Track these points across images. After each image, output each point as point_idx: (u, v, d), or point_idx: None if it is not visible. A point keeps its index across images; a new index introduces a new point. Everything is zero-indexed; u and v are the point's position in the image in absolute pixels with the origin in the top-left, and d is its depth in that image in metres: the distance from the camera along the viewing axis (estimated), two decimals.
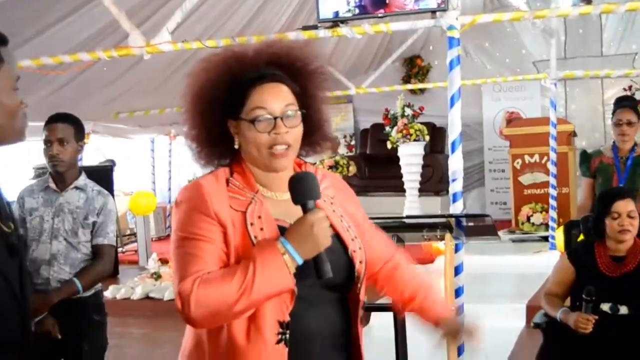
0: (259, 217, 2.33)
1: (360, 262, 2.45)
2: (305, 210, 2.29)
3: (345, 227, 2.48)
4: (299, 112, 2.40)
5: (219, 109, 2.40)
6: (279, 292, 2.24)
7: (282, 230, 2.32)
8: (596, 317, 4.39)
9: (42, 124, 4.60)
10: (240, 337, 2.27)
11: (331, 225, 2.39)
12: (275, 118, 2.35)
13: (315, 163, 2.64)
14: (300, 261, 2.24)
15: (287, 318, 2.28)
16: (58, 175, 4.60)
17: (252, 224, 2.31)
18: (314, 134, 2.50)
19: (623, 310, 4.49)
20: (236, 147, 2.43)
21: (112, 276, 10.53)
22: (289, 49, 2.48)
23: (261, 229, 2.31)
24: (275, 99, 2.36)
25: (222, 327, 2.28)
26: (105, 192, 4.72)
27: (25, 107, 2.35)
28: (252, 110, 2.35)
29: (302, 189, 2.32)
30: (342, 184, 2.68)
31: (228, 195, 2.35)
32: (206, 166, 2.51)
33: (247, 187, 2.40)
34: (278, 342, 2.27)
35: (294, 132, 2.38)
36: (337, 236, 2.42)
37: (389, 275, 2.72)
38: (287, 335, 2.28)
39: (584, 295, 4.44)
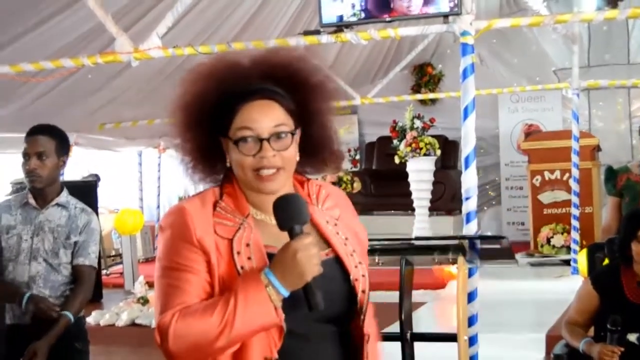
0: (247, 244, 2.31)
1: (363, 291, 2.40)
2: (292, 235, 2.25)
3: (348, 252, 2.44)
4: (290, 134, 2.36)
5: (208, 124, 2.38)
6: (263, 328, 2.22)
7: (272, 257, 2.29)
8: (622, 348, 4.38)
9: (21, 135, 4.60)
10: None
11: (333, 249, 2.39)
12: (261, 140, 2.32)
13: (317, 179, 2.62)
14: (285, 293, 2.20)
15: (275, 356, 2.25)
16: (37, 191, 4.59)
17: (238, 253, 2.29)
18: (318, 152, 2.48)
19: None
20: (228, 165, 2.41)
21: (96, 301, 10.52)
22: (287, 59, 2.43)
23: (248, 258, 2.29)
24: (264, 118, 2.33)
25: None
26: (89, 209, 4.72)
27: None
28: (238, 130, 2.33)
29: (286, 214, 2.28)
30: (347, 202, 2.64)
31: (214, 221, 2.33)
32: (201, 182, 2.50)
33: (237, 210, 2.38)
34: None
35: (283, 155, 2.35)
36: (338, 261, 2.40)
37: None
38: None
39: (609, 325, 4.43)
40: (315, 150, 2.46)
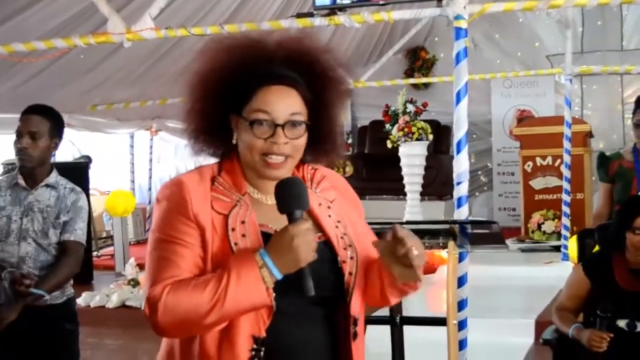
0: (242, 222, 2.32)
1: (350, 273, 2.41)
2: (291, 220, 2.26)
3: (338, 235, 2.45)
4: (304, 124, 2.37)
5: (222, 99, 2.37)
6: (254, 307, 2.23)
7: (266, 237, 2.31)
8: (611, 334, 4.39)
9: (12, 115, 4.61)
10: (212, 350, 2.27)
11: (323, 232, 2.39)
12: (276, 125, 2.32)
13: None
14: (279, 276, 2.22)
15: (263, 334, 2.27)
16: (27, 171, 4.58)
17: (233, 230, 2.30)
18: (323, 143, 2.48)
19: None
20: (234, 142, 2.41)
21: (86, 282, 10.52)
22: (313, 49, 2.43)
23: (243, 235, 2.30)
24: (282, 105, 2.33)
25: (195, 338, 2.29)
26: (79, 189, 4.71)
27: None
28: (253, 112, 2.33)
29: (288, 197, 2.29)
30: (344, 186, 2.65)
31: (211, 195, 2.34)
32: (198, 155, 2.49)
33: (235, 187, 2.39)
34: (251, 358, 2.26)
35: (294, 143, 2.36)
36: (327, 244, 2.40)
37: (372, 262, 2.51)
38: (262, 352, 2.27)
39: (598, 311, 4.43)
40: (320, 140, 2.47)
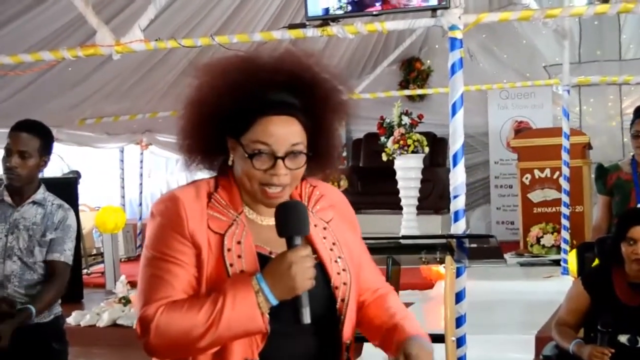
0: (238, 242, 2.31)
1: (343, 300, 2.41)
2: (290, 245, 2.26)
3: (332, 258, 2.44)
4: (304, 154, 2.35)
5: (219, 123, 2.35)
6: (247, 333, 2.23)
7: (262, 259, 2.31)
8: (612, 350, 4.38)
9: None
10: None
11: (317, 255, 2.38)
12: (276, 158, 2.30)
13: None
14: (274, 302, 2.21)
15: (256, 358, 2.27)
16: (14, 188, 4.56)
17: (229, 250, 2.29)
18: (319, 160, 2.46)
19: None
20: (230, 163, 2.40)
21: (76, 301, 10.48)
22: (313, 78, 2.37)
23: (239, 257, 2.29)
24: (282, 136, 2.30)
25: None
26: (67, 206, 4.69)
27: None
28: (253, 142, 2.30)
29: (289, 222, 2.28)
30: (342, 204, 2.64)
31: (208, 213, 2.33)
32: (193, 171, 2.49)
33: (231, 205, 2.37)
34: None
35: (295, 173, 2.35)
36: (321, 267, 2.39)
37: (368, 303, 2.58)
38: None
39: (599, 326, 4.43)
40: (317, 157, 2.44)
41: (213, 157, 2.44)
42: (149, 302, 2.23)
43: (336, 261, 2.44)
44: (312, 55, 2.44)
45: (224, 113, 2.33)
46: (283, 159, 2.30)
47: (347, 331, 2.42)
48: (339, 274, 2.42)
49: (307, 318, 2.22)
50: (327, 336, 2.41)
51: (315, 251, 2.38)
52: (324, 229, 2.48)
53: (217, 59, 2.41)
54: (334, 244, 2.47)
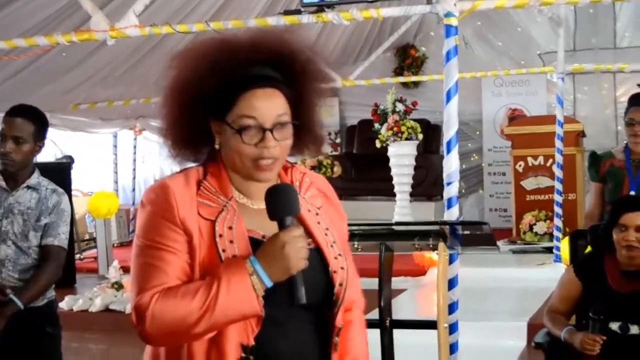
0: (230, 227, 2.32)
1: (341, 284, 2.42)
2: (282, 227, 2.27)
3: (328, 243, 2.46)
4: (290, 124, 2.38)
5: (202, 107, 2.36)
6: (243, 316, 2.23)
7: (254, 243, 2.32)
8: (604, 337, 4.40)
9: None
10: (200, 359, 2.27)
11: (313, 239, 2.39)
12: (264, 130, 2.32)
13: (296, 162, 2.63)
14: (269, 284, 2.23)
15: (252, 342, 2.27)
16: (8, 173, 4.57)
17: (220, 236, 2.29)
18: (303, 137, 2.47)
19: (634, 330, 4.49)
20: (217, 147, 2.41)
21: (69, 285, 10.50)
22: (290, 49, 2.41)
23: (230, 242, 2.30)
24: (268, 108, 2.32)
25: (182, 347, 2.29)
26: (61, 190, 4.70)
27: None
28: (239, 118, 2.32)
29: (279, 204, 2.30)
30: (330, 191, 2.65)
31: (197, 200, 2.33)
32: (180, 164, 2.48)
33: (221, 191, 2.38)
34: None
35: (283, 145, 2.36)
36: (318, 251, 2.41)
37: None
38: None
39: (591, 313, 4.44)
40: (302, 135, 2.46)
41: (197, 146, 2.45)
42: (143, 291, 2.23)
43: (332, 246, 2.45)
44: (287, 31, 2.47)
45: (207, 94, 2.34)
46: (271, 130, 2.32)
47: (340, 315, 2.44)
48: (335, 258, 2.44)
49: (302, 298, 2.23)
50: (321, 320, 2.42)
51: (311, 235, 2.40)
52: (317, 214, 2.50)
53: (193, 43, 2.43)
54: (327, 229, 2.49)
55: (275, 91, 2.35)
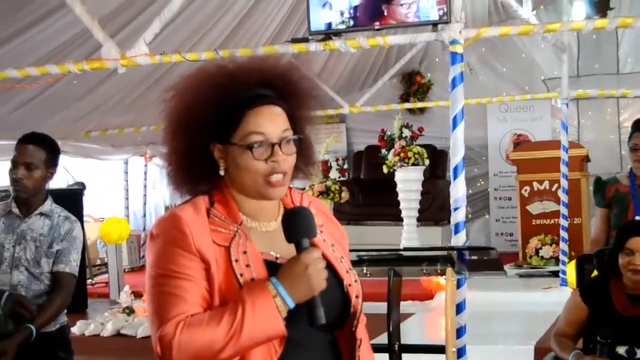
0: (244, 252, 2.32)
1: (357, 296, 2.44)
2: (299, 249, 2.28)
3: (338, 258, 2.48)
4: (293, 140, 2.40)
5: (204, 132, 2.38)
6: (269, 338, 2.23)
7: (269, 264, 2.32)
8: None
9: (5, 142, 4.59)
10: None
11: (324, 256, 2.38)
12: (273, 145, 2.34)
13: (304, 188, 2.63)
14: (292, 305, 2.23)
15: None
16: (22, 200, 4.58)
17: (236, 261, 2.30)
18: (298, 160, 2.48)
19: None
20: (221, 173, 2.41)
21: (80, 310, 10.48)
22: (281, 68, 2.46)
23: (247, 266, 2.30)
24: (273, 124, 2.36)
25: None
26: (74, 218, 4.71)
27: None
28: (247, 136, 2.34)
29: (297, 226, 2.32)
30: (328, 212, 2.69)
31: (210, 228, 2.33)
32: (180, 191, 2.48)
33: (230, 218, 2.38)
34: None
35: (290, 159, 2.39)
36: (330, 268, 2.40)
37: None
38: None
39: (598, 337, 4.42)
40: (299, 153, 2.47)
41: (199, 175, 2.44)
42: (165, 321, 2.21)
43: (341, 261, 2.48)
44: (279, 58, 2.52)
45: (209, 118, 2.36)
46: (279, 145, 2.35)
47: (360, 330, 2.45)
48: (347, 272, 2.47)
49: (322, 318, 2.25)
50: (340, 336, 2.44)
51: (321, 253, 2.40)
52: (321, 232, 2.50)
53: (188, 73, 2.46)
54: (332, 245, 2.52)
55: (277, 108, 2.39)
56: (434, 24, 6.53)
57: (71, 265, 4.59)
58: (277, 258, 2.36)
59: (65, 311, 4.70)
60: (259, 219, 2.43)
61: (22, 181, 4.51)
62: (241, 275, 2.28)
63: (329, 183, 12.71)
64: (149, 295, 2.30)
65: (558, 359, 4.78)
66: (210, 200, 2.40)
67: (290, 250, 2.31)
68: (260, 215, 2.43)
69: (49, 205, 4.64)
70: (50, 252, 4.54)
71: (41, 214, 4.60)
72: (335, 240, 2.56)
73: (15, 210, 4.59)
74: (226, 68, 2.43)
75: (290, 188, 2.55)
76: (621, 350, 4.47)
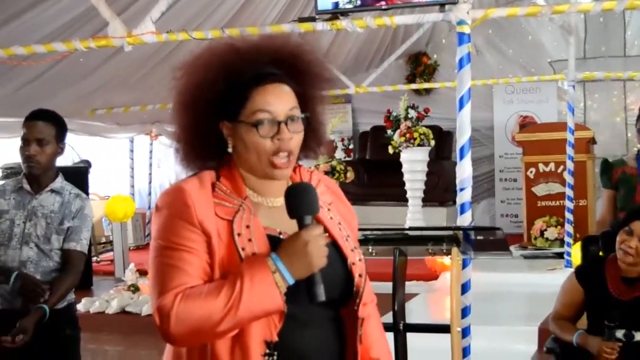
0: (247, 226, 2.32)
1: (360, 275, 2.45)
2: (301, 225, 2.29)
3: (344, 236, 2.48)
4: (301, 118, 2.40)
5: (214, 109, 2.38)
6: (267, 312, 2.24)
7: (272, 239, 2.33)
8: (620, 344, 4.37)
9: (11, 119, 4.60)
10: (224, 357, 2.27)
11: (329, 234, 2.40)
12: (279, 122, 2.35)
13: (310, 167, 2.63)
14: (291, 281, 2.24)
15: (275, 338, 2.27)
16: (33, 176, 4.59)
17: (239, 235, 2.30)
18: (309, 139, 2.49)
19: (638, 336, 4.46)
20: (229, 150, 2.42)
21: (86, 288, 10.50)
22: (292, 47, 2.46)
23: (249, 240, 2.30)
24: (280, 102, 2.36)
25: (205, 346, 2.29)
26: (84, 195, 4.74)
27: None
28: (254, 113, 2.34)
29: (299, 202, 2.32)
30: (337, 189, 2.69)
31: (214, 201, 2.34)
32: (190, 169, 2.48)
33: (235, 192, 2.39)
34: None
35: (296, 138, 2.39)
36: (334, 245, 2.42)
37: None
38: (275, 357, 2.27)
39: (606, 321, 4.40)
40: (306, 136, 2.47)
41: (207, 151, 2.45)
42: (165, 291, 2.22)
43: (347, 239, 2.48)
44: (291, 37, 2.59)
45: (218, 96, 2.37)
46: (285, 122, 2.35)
47: (363, 307, 2.45)
48: (352, 250, 2.47)
49: (322, 295, 2.25)
50: (340, 316, 2.44)
51: (326, 230, 2.41)
52: (328, 209, 2.52)
53: (198, 51, 2.46)
54: (339, 223, 2.52)
55: (284, 86, 2.39)
56: (442, 4, 6.51)
57: (82, 243, 4.62)
58: (280, 233, 2.37)
59: (73, 289, 4.71)
60: (265, 195, 2.44)
61: (35, 157, 4.53)
62: (243, 249, 2.28)
63: (334, 163, 12.70)
64: (151, 266, 2.32)
65: (559, 340, 4.78)
66: (217, 175, 2.41)
67: (295, 227, 2.31)
68: (267, 190, 2.43)
69: (59, 182, 4.66)
70: (61, 229, 4.56)
71: (52, 190, 4.61)
72: (344, 219, 2.55)
73: (27, 186, 4.61)
74: (235, 46, 2.43)
75: (299, 166, 2.55)
76: (619, 333, 4.45)
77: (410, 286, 7.94)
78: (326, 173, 12.16)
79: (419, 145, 12.06)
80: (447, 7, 6.40)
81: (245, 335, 2.25)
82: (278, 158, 2.35)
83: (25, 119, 4.59)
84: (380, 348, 2.58)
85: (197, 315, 2.18)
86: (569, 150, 10.19)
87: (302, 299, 2.27)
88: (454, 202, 6.15)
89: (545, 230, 12.14)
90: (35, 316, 4.33)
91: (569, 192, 10.29)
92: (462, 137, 6.02)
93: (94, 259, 12.81)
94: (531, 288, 9.83)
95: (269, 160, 2.35)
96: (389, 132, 12.43)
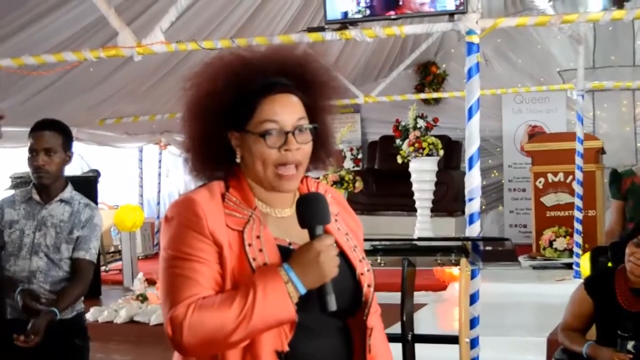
0: (258, 236, 2.33)
1: (369, 285, 2.46)
2: (313, 235, 2.29)
3: (351, 247, 2.49)
4: (309, 129, 2.40)
5: (222, 119, 2.39)
6: (279, 322, 2.24)
7: (282, 250, 2.33)
8: (631, 355, 4.35)
9: (21, 129, 4.62)
10: None
11: (337, 244, 2.39)
12: (286, 133, 2.35)
13: (318, 178, 2.64)
14: (303, 291, 2.24)
15: (286, 348, 2.27)
16: (42, 186, 4.60)
17: (250, 245, 2.31)
18: (318, 150, 2.50)
19: None
20: (238, 160, 2.42)
21: (94, 297, 10.51)
22: (299, 57, 2.47)
23: (260, 250, 2.31)
24: (287, 112, 2.36)
25: (215, 357, 2.28)
26: (94, 205, 4.76)
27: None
28: (261, 123, 2.35)
29: (311, 212, 2.32)
30: (344, 201, 2.70)
31: (224, 212, 2.34)
32: (199, 179, 2.49)
33: (245, 203, 2.39)
34: None
35: (304, 149, 2.39)
36: (343, 256, 2.42)
37: None
38: None
39: (619, 331, 4.39)
40: (316, 147, 2.48)
41: (216, 161, 2.46)
42: (177, 302, 2.22)
43: (354, 250, 2.49)
44: (299, 48, 2.56)
45: (226, 106, 2.38)
46: (293, 133, 2.36)
47: (373, 317, 2.47)
48: (360, 261, 2.48)
49: (333, 305, 2.26)
50: (352, 324, 2.45)
51: (334, 241, 2.40)
52: (335, 220, 2.52)
53: (206, 61, 2.47)
54: (346, 234, 2.53)
55: (293, 96, 2.40)
56: (451, 14, 6.52)
57: (91, 252, 4.63)
58: (290, 244, 2.37)
59: (82, 298, 4.72)
60: (273, 205, 2.44)
61: (44, 167, 4.54)
62: (254, 259, 2.29)
63: (343, 173, 12.69)
64: (162, 277, 2.32)
65: (568, 351, 4.76)
66: (225, 185, 2.41)
67: (304, 237, 2.32)
68: (275, 201, 2.44)
69: (69, 192, 4.67)
70: (70, 238, 4.56)
71: (61, 200, 4.62)
72: (350, 230, 2.56)
73: (36, 196, 4.62)
74: (244, 57, 2.44)
75: (306, 177, 2.55)
76: (629, 345, 4.44)
77: (418, 296, 7.93)
78: (335, 183, 12.16)
79: (427, 155, 12.05)
80: (456, 16, 6.41)
81: (256, 345, 2.25)
82: (284, 169, 2.36)
83: (31, 129, 4.60)
84: (384, 359, 2.58)
85: (210, 325, 2.18)
86: (578, 160, 10.16)
87: (312, 308, 2.28)
88: (463, 212, 6.13)
89: (554, 240, 12.09)
90: (46, 317, 4.33)
91: (578, 202, 10.26)
92: (471, 146, 6.02)
93: (103, 268, 12.81)
94: (540, 299, 9.79)
95: (274, 171, 2.36)
96: (398, 141, 12.41)
